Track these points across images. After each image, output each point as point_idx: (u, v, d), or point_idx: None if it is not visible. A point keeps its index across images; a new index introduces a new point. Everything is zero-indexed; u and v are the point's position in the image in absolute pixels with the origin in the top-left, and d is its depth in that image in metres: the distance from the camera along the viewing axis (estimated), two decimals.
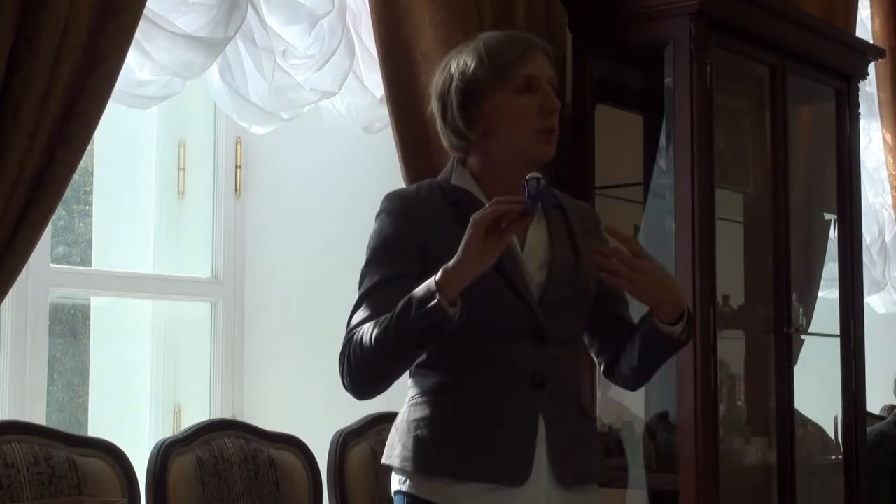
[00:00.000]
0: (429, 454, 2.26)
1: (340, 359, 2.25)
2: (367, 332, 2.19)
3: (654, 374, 2.46)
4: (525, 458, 2.24)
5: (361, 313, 2.25)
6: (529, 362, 2.26)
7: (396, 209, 2.31)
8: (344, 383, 2.26)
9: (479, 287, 2.15)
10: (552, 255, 2.32)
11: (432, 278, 2.11)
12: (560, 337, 2.29)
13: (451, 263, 2.11)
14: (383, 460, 2.35)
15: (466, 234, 2.10)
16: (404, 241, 2.27)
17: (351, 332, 2.25)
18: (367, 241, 2.33)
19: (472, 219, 2.11)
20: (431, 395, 2.28)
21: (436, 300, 2.08)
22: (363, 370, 2.23)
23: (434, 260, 2.22)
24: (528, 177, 2.11)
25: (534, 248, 2.32)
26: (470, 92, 2.30)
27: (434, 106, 2.37)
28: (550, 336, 2.27)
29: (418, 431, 2.27)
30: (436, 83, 2.37)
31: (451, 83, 2.32)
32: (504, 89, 2.28)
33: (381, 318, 2.17)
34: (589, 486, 2.36)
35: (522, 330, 2.23)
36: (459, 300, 2.11)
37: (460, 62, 2.32)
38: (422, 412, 2.28)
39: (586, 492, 2.35)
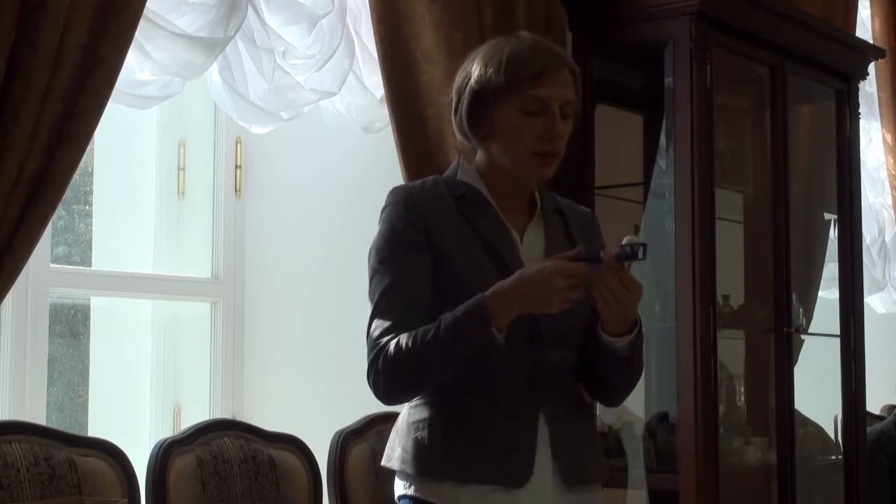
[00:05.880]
0: (429, 456, 2.25)
1: (370, 369, 2.24)
2: (406, 345, 2.18)
3: (615, 394, 2.45)
4: (525, 459, 2.24)
5: (383, 322, 2.24)
6: (527, 363, 2.26)
7: (402, 201, 2.31)
8: (375, 392, 2.25)
9: (481, 286, 2.17)
10: (547, 257, 2.32)
11: (482, 302, 2.13)
12: (558, 338, 2.29)
13: (515, 297, 2.13)
14: (383, 462, 2.35)
15: (544, 278, 2.11)
16: (412, 232, 2.28)
17: (377, 342, 2.23)
18: (375, 235, 2.32)
19: (555, 266, 2.12)
20: (431, 396, 2.28)
21: (488, 328, 2.12)
22: (401, 382, 2.23)
23: (438, 251, 2.25)
24: (627, 240, 2.14)
25: (530, 247, 2.33)
26: (481, 96, 2.30)
27: (450, 98, 2.37)
28: (548, 337, 2.27)
29: (418, 433, 2.27)
30: (457, 76, 2.36)
31: (467, 82, 2.32)
32: (512, 105, 2.27)
33: (418, 335, 2.17)
34: (592, 486, 2.36)
35: (520, 330, 2.22)
36: (505, 328, 2.15)
37: (482, 63, 2.30)
38: (421, 414, 2.28)
39: (590, 492, 2.35)
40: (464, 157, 2.40)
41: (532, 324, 2.24)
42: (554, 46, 2.32)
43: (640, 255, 2.14)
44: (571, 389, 2.35)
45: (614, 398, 2.48)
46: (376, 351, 2.23)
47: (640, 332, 2.28)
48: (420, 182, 2.40)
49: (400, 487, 2.31)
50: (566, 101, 2.28)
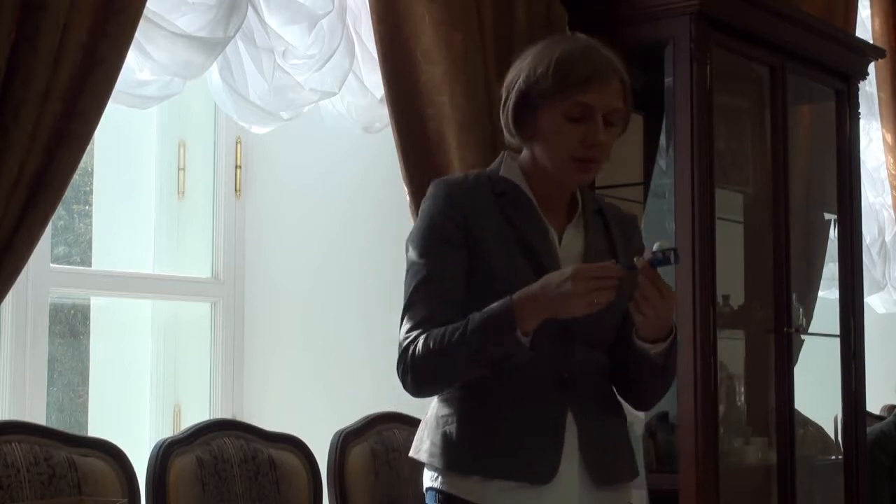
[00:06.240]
0: (456, 451, 2.27)
1: (399, 363, 2.26)
2: (434, 342, 2.20)
3: (646, 398, 2.45)
4: (550, 456, 2.25)
5: (415, 315, 2.26)
6: (557, 361, 2.27)
7: (442, 194, 2.32)
8: (403, 385, 2.28)
9: (515, 284, 2.18)
10: (586, 258, 2.33)
11: (510, 306, 2.14)
12: (590, 338, 2.30)
13: (541, 301, 2.13)
14: (411, 453, 2.38)
15: (568, 281, 2.12)
16: (450, 226, 2.29)
17: (407, 336, 2.26)
18: (414, 226, 2.34)
19: (577, 270, 2.12)
20: (460, 391, 2.30)
21: (514, 333, 2.13)
22: (428, 378, 2.26)
23: (475, 246, 2.26)
24: (658, 246, 2.15)
25: (569, 248, 2.34)
26: (528, 97, 2.30)
27: (500, 93, 2.37)
28: (579, 336, 2.28)
29: (446, 427, 2.29)
30: (510, 72, 2.36)
31: (517, 80, 2.32)
32: (556, 109, 2.27)
33: (446, 333, 2.19)
34: (620, 485, 2.38)
35: (550, 329, 2.22)
36: (531, 332, 2.16)
37: (532, 63, 2.30)
38: (450, 408, 2.30)
39: (617, 491, 2.36)
40: (508, 154, 2.40)
41: (562, 323, 2.24)
42: (606, 52, 2.31)
43: (673, 259, 2.15)
44: (602, 390, 2.36)
45: (645, 403, 2.49)
46: (405, 345, 2.25)
47: (675, 338, 2.28)
48: (462, 176, 2.41)
49: (427, 479, 2.34)
50: (611, 110, 2.28)
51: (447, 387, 2.30)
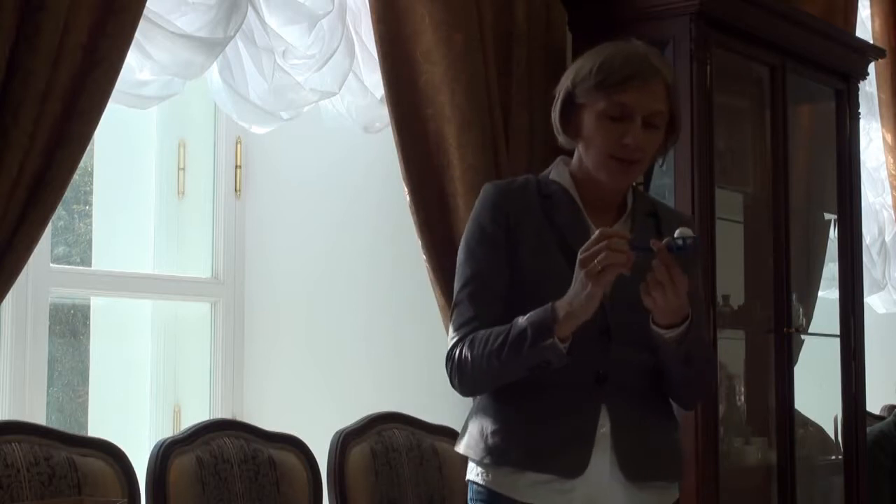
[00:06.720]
0: (491, 443, 2.32)
1: (448, 359, 2.35)
2: (478, 345, 2.28)
3: (681, 393, 2.44)
4: (581, 449, 2.28)
5: (461, 314, 2.36)
6: (595, 358, 2.29)
7: (490, 197, 2.40)
8: (451, 384, 2.37)
9: (557, 281, 2.21)
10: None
11: (550, 312, 2.18)
12: (630, 337, 2.31)
13: (571, 309, 2.17)
14: (455, 447, 2.45)
15: (582, 281, 2.16)
16: (494, 227, 2.36)
17: (454, 335, 2.34)
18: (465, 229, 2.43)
19: (580, 266, 2.16)
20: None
21: (552, 339, 2.18)
22: (473, 379, 2.33)
23: (515, 245, 2.33)
24: (679, 232, 2.17)
25: None
26: (574, 95, 2.36)
27: (554, 94, 2.43)
28: (618, 334, 2.30)
29: (483, 420, 2.35)
30: (564, 75, 2.42)
31: (567, 81, 2.38)
32: (598, 107, 2.31)
33: (493, 336, 2.25)
34: (659, 482, 2.38)
35: (590, 325, 2.23)
36: (570, 337, 2.20)
37: (581, 63, 2.36)
38: (488, 401, 2.36)
39: (654, 489, 2.36)
40: (561, 159, 2.45)
41: (601, 319, 2.27)
42: (653, 57, 2.34)
43: (691, 249, 2.17)
44: (643, 389, 2.36)
45: (682, 399, 2.47)
46: (452, 344, 2.34)
47: (691, 324, 2.27)
48: (511, 180, 2.48)
49: (468, 472, 2.40)
50: (652, 112, 2.31)
51: (493, 386, 2.35)
